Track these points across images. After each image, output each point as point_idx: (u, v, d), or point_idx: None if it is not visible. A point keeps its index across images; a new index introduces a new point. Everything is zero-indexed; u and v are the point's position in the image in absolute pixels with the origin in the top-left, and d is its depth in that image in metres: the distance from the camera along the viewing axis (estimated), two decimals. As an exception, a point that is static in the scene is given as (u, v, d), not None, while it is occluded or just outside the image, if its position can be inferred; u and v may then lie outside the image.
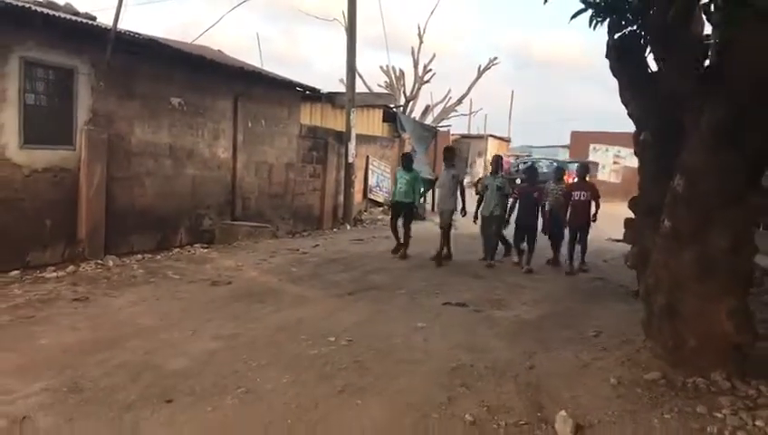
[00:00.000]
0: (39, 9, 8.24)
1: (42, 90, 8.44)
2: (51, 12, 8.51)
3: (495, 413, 4.26)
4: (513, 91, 63.05)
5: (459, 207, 10.87)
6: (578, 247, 10.34)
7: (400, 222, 10.84)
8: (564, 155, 32.15)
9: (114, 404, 4.20)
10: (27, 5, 8.13)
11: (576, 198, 10.28)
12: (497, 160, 11.17)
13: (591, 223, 10.29)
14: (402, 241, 10.79)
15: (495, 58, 34.48)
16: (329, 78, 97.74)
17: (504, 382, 4.88)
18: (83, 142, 8.86)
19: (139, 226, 9.95)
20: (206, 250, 10.55)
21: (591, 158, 28.40)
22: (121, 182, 9.59)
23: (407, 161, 11.34)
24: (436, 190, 11.16)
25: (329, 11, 71.54)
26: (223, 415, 4.09)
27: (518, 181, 28.72)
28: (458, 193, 10.58)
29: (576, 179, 11.49)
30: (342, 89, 16.51)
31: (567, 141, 34.07)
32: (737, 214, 4.83)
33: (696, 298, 4.87)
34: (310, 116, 15.27)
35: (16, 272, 7.87)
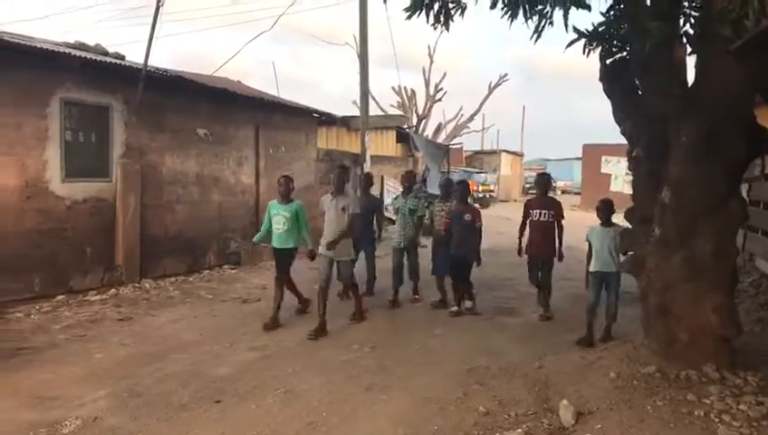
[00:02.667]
0: (76, 53, 8.95)
1: (79, 127, 9.11)
2: (87, 55, 9.24)
3: (506, 405, 4.80)
4: (524, 106, 63.87)
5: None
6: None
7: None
8: (578, 167, 32.35)
9: (170, 406, 4.80)
10: (66, 50, 8.84)
11: (535, 218, 7.70)
12: (409, 177, 9.19)
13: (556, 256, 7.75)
14: (298, 296, 8.07)
15: (506, 75, 35.25)
16: (341, 98, 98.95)
17: (514, 380, 5.42)
18: (118, 174, 9.53)
19: (172, 250, 10.58)
20: (234, 271, 11.15)
21: (604, 170, 28.35)
22: (154, 210, 10.25)
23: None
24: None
25: (334, 31, 72.59)
26: (266, 410, 4.67)
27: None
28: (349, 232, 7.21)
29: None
30: (356, 110, 17.14)
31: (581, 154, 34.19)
32: (719, 220, 5.34)
33: (685, 297, 5.36)
34: (326, 140, 15.90)
35: (62, 296, 8.48)
